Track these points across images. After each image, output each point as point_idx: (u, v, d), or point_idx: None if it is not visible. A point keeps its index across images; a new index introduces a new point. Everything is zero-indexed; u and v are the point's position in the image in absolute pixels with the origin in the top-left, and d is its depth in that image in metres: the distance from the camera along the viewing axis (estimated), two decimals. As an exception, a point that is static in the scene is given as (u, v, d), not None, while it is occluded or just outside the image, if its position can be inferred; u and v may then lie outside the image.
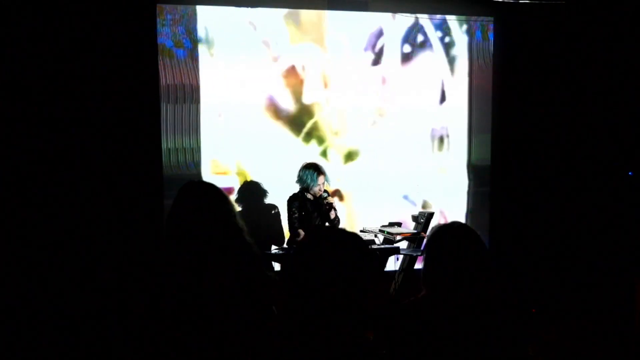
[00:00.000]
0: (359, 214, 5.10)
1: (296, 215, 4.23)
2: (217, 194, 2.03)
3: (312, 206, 4.26)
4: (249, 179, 4.82)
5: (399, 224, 4.53)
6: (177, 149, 4.77)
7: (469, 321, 1.67)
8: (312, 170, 4.20)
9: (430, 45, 5.24)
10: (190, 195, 1.99)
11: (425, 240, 1.80)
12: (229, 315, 1.81)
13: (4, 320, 4.07)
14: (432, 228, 1.89)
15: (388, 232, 4.31)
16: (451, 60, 5.30)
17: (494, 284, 1.72)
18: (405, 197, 5.21)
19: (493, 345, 1.68)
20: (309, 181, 4.17)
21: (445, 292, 1.71)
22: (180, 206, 1.97)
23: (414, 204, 5.19)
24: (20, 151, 4.35)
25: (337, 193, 4.96)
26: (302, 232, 4.17)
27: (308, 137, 5.01)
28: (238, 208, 4.73)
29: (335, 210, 4.25)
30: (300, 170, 4.26)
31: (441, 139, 5.31)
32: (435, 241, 1.78)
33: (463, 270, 1.69)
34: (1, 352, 3.82)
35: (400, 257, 4.46)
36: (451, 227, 1.81)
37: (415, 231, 4.46)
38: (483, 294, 1.70)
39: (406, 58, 5.18)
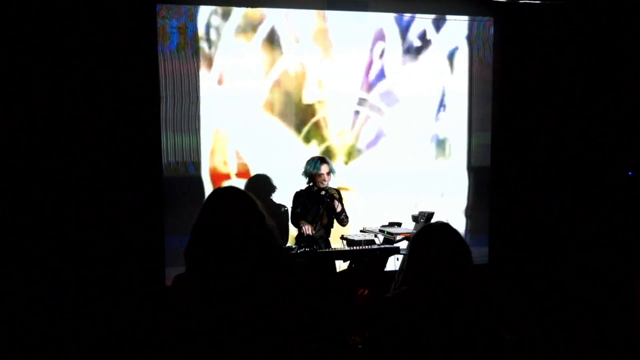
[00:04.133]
0: (361, 212, 5.11)
1: (298, 210, 4.27)
2: (248, 200, 1.95)
3: (316, 200, 4.26)
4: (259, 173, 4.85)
5: (399, 224, 4.52)
6: (176, 149, 4.77)
7: (447, 315, 1.75)
8: (316, 158, 4.27)
9: (430, 45, 5.24)
10: (222, 202, 1.91)
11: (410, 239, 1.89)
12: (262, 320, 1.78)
13: (3, 321, 4.07)
14: (416, 228, 1.96)
15: (388, 232, 4.30)
16: (451, 60, 5.30)
17: (471, 280, 1.80)
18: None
19: (469, 336, 1.76)
20: (311, 169, 4.21)
21: (425, 287, 1.79)
22: (213, 213, 1.88)
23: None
24: (19, 152, 4.35)
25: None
26: (306, 225, 4.15)
27: (308, 136, 5.02)
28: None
29: (338, 201, 4.25)
30: (306, 162, 4.30)
31: (441, 141, 5.33)
32: (418, 240, 1.87)
33: (442, 267, 1.78)
34: (1, 352, 3.82)
35: (400, 257, 4.45)
36: (433, 227, 1.91)
37: (415, 231, 4.44)
38: (461, 289, 1.78)
39: (406, 58, 5.19)
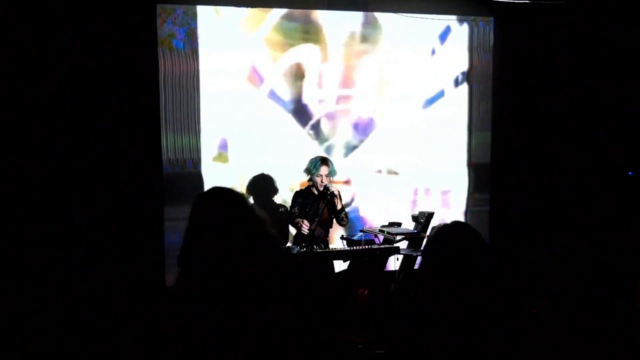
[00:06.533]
0: (361, 211, 5.12)
1: (296, 210, 4.26)
2: (241, 201, 1.84)
3: (316, 199, 4.26)
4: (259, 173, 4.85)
5: (399, 224, 4.52)
6: (176, 148, 4.78)
7: (470, 322, 1.64)
8: (317, 159, 4.26)
9: (431, 45, 5.24)
10: (218, 204, 1.84)
11: (425, 240, 1.73)
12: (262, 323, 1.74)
13: (3, 321, 4.07)
14: (432, 228, 1.84)
15: (388, 232, 4.30)
16: (451, 59, 5.30)
17: (496, 284, 1.67)
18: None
19: (494, 346, 1.65)
20: (312, 169, 4.21)
21: (446, 292, 1.66)
22: (208, 216, 1.81)
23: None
24: (20, 151, 4.35)
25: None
26: (304, 222, 4.14)
27: (309, 136, 5.02)
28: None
29: (339, 199, 4.25)
30: (309, 160, 4.30)
31: (441, 139, 5.33)
32: (436, 242, 1.72)
33: (465, 270, 1.65)
34: (1, 352, 3.82)
35: (400, 257, 4.45)
36: (452, 227, 1.76)
37: (415, 231, 4.45)
38: (485, 295, 1.66)
39: (406, 57, 5.19)
